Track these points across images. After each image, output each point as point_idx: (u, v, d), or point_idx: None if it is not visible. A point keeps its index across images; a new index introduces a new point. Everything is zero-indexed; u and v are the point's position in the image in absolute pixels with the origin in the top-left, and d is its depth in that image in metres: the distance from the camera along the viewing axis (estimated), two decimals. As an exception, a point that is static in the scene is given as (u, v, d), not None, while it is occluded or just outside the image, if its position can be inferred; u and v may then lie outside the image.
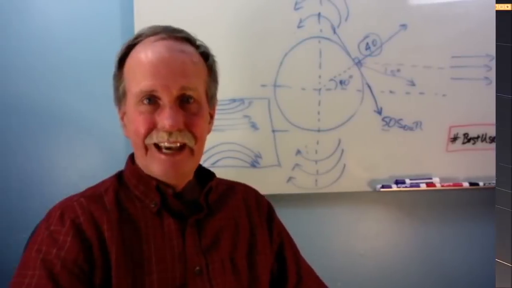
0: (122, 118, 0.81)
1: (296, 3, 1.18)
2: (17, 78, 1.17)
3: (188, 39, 0.78)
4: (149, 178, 0.77)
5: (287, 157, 1.22)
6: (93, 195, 0.76)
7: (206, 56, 0.80)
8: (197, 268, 0.74)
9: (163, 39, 0.74)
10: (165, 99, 0.71)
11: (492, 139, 1.28)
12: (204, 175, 0.85)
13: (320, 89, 1.21)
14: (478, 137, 1.28)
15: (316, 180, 1.24)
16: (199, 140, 0.75)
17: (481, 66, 1.25)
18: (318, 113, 1.22)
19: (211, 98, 0.82)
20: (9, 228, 1.16)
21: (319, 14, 1.19)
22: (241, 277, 0.78)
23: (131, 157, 0.82)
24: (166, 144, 0.72)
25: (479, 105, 1.26)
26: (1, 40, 1.16)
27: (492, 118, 1.25)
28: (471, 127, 1.27)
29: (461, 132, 1.27)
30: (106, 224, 0.72)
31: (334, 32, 1.20)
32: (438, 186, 1.25)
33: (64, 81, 1.18)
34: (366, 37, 1.21)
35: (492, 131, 1.27)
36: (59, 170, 1.21)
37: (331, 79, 1.21)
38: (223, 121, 1.19)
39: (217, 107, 1.15)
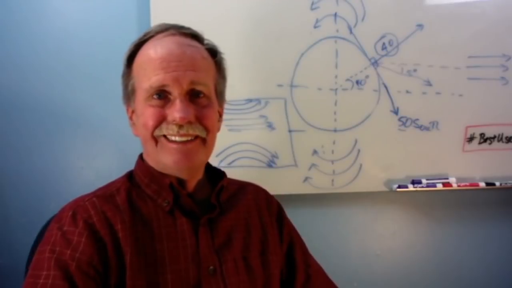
0: (131, 117, 0.81)
1: (312, 3, 1.18)
2: (34, 78, 1.18)
3: (196, 36, 0.79)
4: (162, 176, 0.77)
5: (304, 157, 1.22)
6: (104, 195, 0.76)
7: (214, 52, 0.81)
8: (211, 267, 0.74)
9: (172, 35, 0.76)
10: (175, 93, 0.72)
11: (508, 139, 1.27)
12: (214, 174, 0.85)
13: (336, 89, 1.21)
14: (494, 137, 1.27)
15: (332, 180, 1.23)
16: (210, 132, 0.75)
17: (498, 66, 1.24)
18: (335, 113, 1.22)
19: (220, 94, 0.82)
20: (25, 228, 1.16)
21: (335, 14, 1.19)
22: (255, 277, 0.78)
23: (141, 157, 0.82)
24: (177, 138, 0.72)
25: (496, 105, 1.26)
26: (18, 40, 1.16)
27: (509, 118, 1.26)
28: (487, 127, 1.26)
29: (477, 132, 1.26)
30: (119, 224, 0.71)
31: (351, 32, 1.20)
32: (455, 186, 1.25)
33: (80, 81, 1.18)
34: (382, 37, 1.21)
35: (508, 131, 1.27)
36: (75, 170, 1.21)
37: (348, 79, 1.21)
38: (239, 121, 1.19)
39: (234, 107, 1.18)
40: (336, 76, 1.21)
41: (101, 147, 1.21)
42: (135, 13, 1.19)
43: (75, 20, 1.18)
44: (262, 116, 1.20)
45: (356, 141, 1.23)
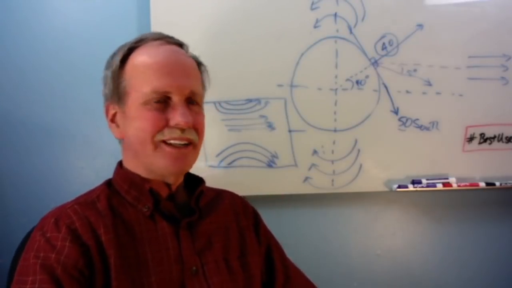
0: (112, 119, 0.80)
1: (312, 3, 1.18)
2: (34, 78, 1.17)
3: (182, 46, 0.83)
4: (142, 181, 0.77)
5: (304, 157, 1.22)
6: (86, 201, 0.76)
7: (198, 63, 0.85)
8: (194, 268, 0.75)
9: (168, 43, 0.79)
10: (177, 99, 0.74)
11: (508, 139, 1.27)
12: (192, 180, 0.87)
13: (336, 89, 1.21)
14: (494, 137, 1.27)
15: (332, 180, 1.23)
16: (201, 137, 0.80)
17: (498, 66, 1.24)
18: (335, 113, 1.22)
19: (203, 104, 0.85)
20: (25, 229, 1.16)
21: (335, 14, 1.19)
22: (236, 277, 0.80)
23: (120, 164, 0.83)
24: (177, 142, 0.74)
25: (496, 105, 1.26)
26: (18, 40, 1.16)
27: (509, 118, 1.26)
28: (487, 127, 1.26)
29: (477, 132, 1.26)
30: (102, 228, 0.72)
31: (351, 32, 1.20)
32: (455, 186, 1.25)
33: (80, 81, 1.18)
34: (382, 37, 1.21)
35: (508, 131, 1.27)
36: (75, 170, 1.21)
37: (348, 79, 1.21)
38: (239, 121, 1.19)
39: (234, 107, 1.18)
40: (336, 76, 1.21)
41: (101, 147, 1.21)
42: (135, 13, 1.19)
43: (75, 20, 1.18)
44: (262, 116, 1.20)
45: (356, 141, 1.23)
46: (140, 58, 0.76)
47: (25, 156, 1.18)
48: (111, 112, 0.80)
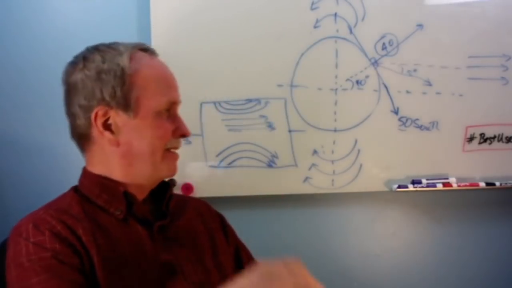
0: (103, 123, 0.75)
1: (312, 3, 1.18)
2: (34, 78, 1.17)
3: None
4: (116, 185, 0.76)
5: (304, 157, 1.22)
6: (59, 208, 0.75)
7: None
8: (172, 269, 0.75)
9: (154, 55, 0.82)
10: (177, 109, 0.81)
11: (508, 139, 1.27)
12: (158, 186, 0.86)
13: (336, 89, 1.21)
14: (494, 137, 1.27)
15: (332, 180, 1.23)
16: None
17: (498, 66, 1.24)
18: (335, 113, 1.22)
19: None
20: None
21: (335, 14, 1.19)
22: (212, 277, 0.80)
23: (86, 170, 0.81)
24: (177, 151, 0.81)
25: (496, 105, 1.26)
26: (18, 40, 1.17)
27: (509, 118, 1.26)
28: (487, 127, 1.26)
29: (477, 132, 1.26)
30: (81, 230, 0.71)
31: (351, 32, 1.20)
32: (455, 186, 1.25)
33: (80, 81, 1.18)
34: (382, 37, 1.21)
35: (508, 131, 1.27)
36: (75, 170, 1.20)
37: (348, 79, 1.21)
38: (239, 121, 1.19)
39: (234, 107, 1.18)
40: (336, 76, 1.21)
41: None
42: (135, 13, 1.19)
43: (75, 20, 1.18)
44: (262, 116, 1.20)
45: (356, 141, 1.23)
46: (148, 69, 0.77)
47: (25, 156, 1.18)
48: (104, 117, 0.75)
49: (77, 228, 0.71)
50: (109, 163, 0.77)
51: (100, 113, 0.75)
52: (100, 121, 0.75)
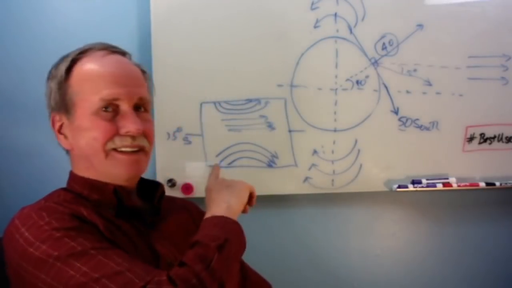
0: (59, 130, 0.79)
1: (312, 3, 1.18)
2: (34, 78, 1.17)
3: (125, 54, 0.83)
4: (104, 184, 0.77)
5: (304, 157, 1.22)
6: (55, 202, 0.74)
7: (142, 71, 0.84)
8: (169, 261, 0.75)
9: (112, 52, 0.80)
10: (125, 106, 0.75)
11: (508, 139, 1.27)
12: (143, 185, 0.87)
13: (336, 89, 1.21)
14: (494, 137, 1.27)
15: (332, 180, 1.23)
16: (151, 144, 0.81)
17: (498, 66, 1.24)
18: (335, 113, 1.22)
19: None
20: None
21: (335, 14, 1.19)
22: None
23: (73, 173, 0.82)
24: (128, 149, 0.76)
25: (496, 105, 1.26)
26: (18, 40, 1.16)
27: (509, 118, 1.26)
28: (487, 127, 1.26)
29: (477, 132, 1.26)
30: (85, 212, 0.71)
31: (351, 32, 1.20)
32: (455, 186, 1.25)
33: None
34: (382, 37, 1.21)
35: (508, 131, 1.27)
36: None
37: (348, 79, 1.21)
38: (239, 121, 1.19)
39: (234, 107, 1.18)
40: (336, 76, 1.21)
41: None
42: (135, 13, 1.19)
43: (75, 20, 1.18)
44: (262, 116, 1.20)
45: (356, 141, 1.23)
46: (85, 67, 0.77)
47: (25, 156, 1.18)
48: (58, 123, 0.79)
49: (82, 212, 0.71)
50: (82, 165, 0.79)
51: (56, 119, 0.80)
52: (56, 127, 0.80)
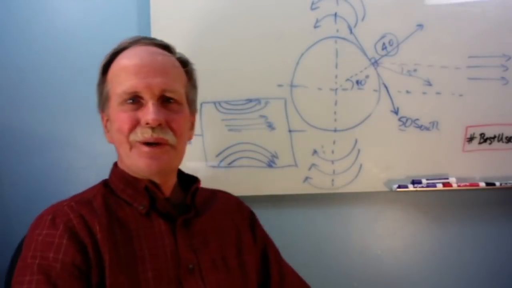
0: (105, 125, 0.83)
1: (312, 3, 1.18)
2: (34, 78, 1.17)
3: (167, 47, 0.83)
4: (137, 180, 0.78)
5: (304, 157, 1.22)
6: (82, 200, 0.77)
7: (184, 63, 0.84)
8: (190, 266, 0.75)
9: (145, 44, 0.80)
10: (147, 97, 0.75)
11: (508, 139, 1.27)
12: (186, 180, 0.87)
13: (336, 89, 1.21)
14: (494, 137, 1.27)
15: (332, 180, 1.23)
16: (179, 137, 0.78)
17: (498, 66, 1.24)
18: (335, 113, 1.22)
19: (191, 103, 0.85)
20: (25, 228, 1.15)
21: (335, 14, 1.19)
22: (233, 276, 0.80)
23: (115, 165, 0.85)
24: (151, 141, 0.74)
25: (496, 105, 1.26)
26: (18, 40, 1.16)
27: (509, 118, 1.26)
28: (487, 127, 1.26)
29: (477, 132, 1.26)
30: (97, 226, 0.73)
31: (351, 32, 1.20)
32: (455, 186, 1.25)
33: (80, 81, 1.18)
34: (382, 37, 1.21)
35: (508, 131, 1.27)
36: (76, 170, 1.21)
37: (348, 79, 1.21)
38: (239, 121, 1.19)
39: (234, 107, 1.18)
40: (336, 76, 1.21)
41: (102, 147, 1.19)
42: (135, 13, 1.19)
43: (75, 20, 1.18)
44: (262, 116, 1.20)
45: (356, 141, 1.23)
46: (116, 63, 0.79)
47: (25, 156, 1.18)
48: (104, 119, 0.83)
49: (94, 224, 0.73)
50: (119, 158, 0.83)
51: (103, 117, 0.84)
52: (104, 123, 0.84)
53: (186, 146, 0.83)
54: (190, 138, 0.86)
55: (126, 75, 0.75)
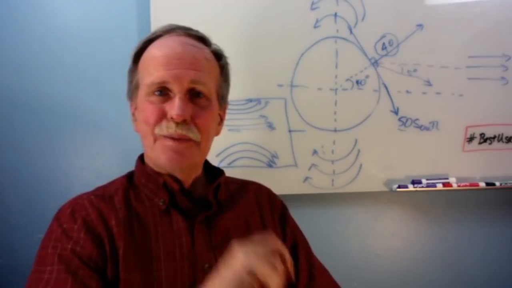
0: (133, 113, 0.82)
1: (312, 3, 1.18)
2: (34, 78, 1.17)
3: (202, 38, 0.81)
4: (157, 175, 0.78)
5: (304, 157, 1.22)
6: (103, 194, 0.77)
7: (219, 56, 0.82)
8: (206, 265, 0.74)
9: (178, 35, 0.78)
10: (176, 90, 0.73)
11: (508, 139, 1.27)
12: (213, 173, 0.86)
13: (336, 89, 1.21)
14: (494, 137, 1.27)
15: (332, 180, 1.23)
16: (204, 133, 0.76)
17: (498, 66, 1.25)
18: (335, 113, 1.22)
19: (222, 98, 0.83)
20: (25, 228, 1.16)
21: (335, 14, 1.19)
22: None
23: (141, 158, 0.83)
24: (174, 136, 0.73)
25: (496, 105, 1.26)
26: (18, 39, 1.16)
27: (509, 118, 1.26)
28: (487, 127, 1.26)
29: (477, 132, 1.26)
30: (114, 220, 0.73)
31: (351, 32, 1.20)
32: (455, 186, 1.25)
33: (80, 81, 1.18)
34: (382, 37, 1.21)
35: (508, 131, 1.27)
36: (75, 170, 1.21)
37: (348, 79, 1.21)
38: (239, 121, 1.19)
39: (234, 107, 1.18)
40: (336, 76, 1.21)
41: (102, 147, 1.21)
42: (135, 13, 1.19)
43: (75, 20, 1.18)
44: (262, 116, 1.20)
45: (356, 141, 1.23)
46: (148, 52, 0.77)
47: (25, 156, 1.18)
48: (133, 108, 0.81)
49: (110, 218, 0.73)
50: (145, 149, 0.81)
51: (132, 106, 0.82)
52: (132, 110, 0.82)
53: (211, 142, 0.81)
54: (218, 133, 0.84)
55: (155, 65, 0.73)
